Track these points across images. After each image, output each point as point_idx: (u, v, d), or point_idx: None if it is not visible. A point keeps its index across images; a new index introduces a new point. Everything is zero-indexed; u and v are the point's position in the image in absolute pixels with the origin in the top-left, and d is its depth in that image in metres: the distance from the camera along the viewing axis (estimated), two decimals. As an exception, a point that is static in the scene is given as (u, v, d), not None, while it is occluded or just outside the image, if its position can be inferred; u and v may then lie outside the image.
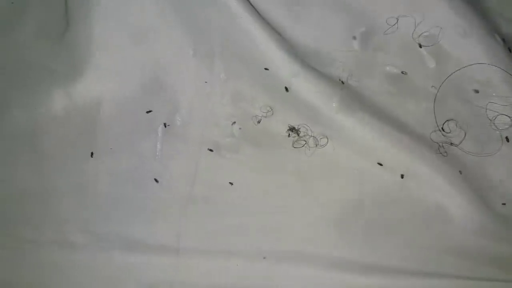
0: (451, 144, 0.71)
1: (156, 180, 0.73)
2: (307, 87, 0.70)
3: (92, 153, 0.73)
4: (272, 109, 0.74)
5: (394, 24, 0.72)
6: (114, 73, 0.74)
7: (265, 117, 0.74)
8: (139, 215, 0.72)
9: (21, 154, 0.74)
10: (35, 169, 0.73)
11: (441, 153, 0.70)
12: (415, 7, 0.72)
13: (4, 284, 0.72)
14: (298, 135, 0.73)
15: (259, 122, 0.74)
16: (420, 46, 0.73)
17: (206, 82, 0.75)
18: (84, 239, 0.72)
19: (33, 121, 0.74)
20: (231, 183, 0.73)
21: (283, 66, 0.70)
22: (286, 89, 0.72)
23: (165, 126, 0.74)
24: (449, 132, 0.72)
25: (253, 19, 0.70)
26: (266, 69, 0.72)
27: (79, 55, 0.74)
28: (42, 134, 0.74)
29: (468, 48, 0.71)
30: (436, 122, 0.72)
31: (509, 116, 0.70)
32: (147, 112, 0.74)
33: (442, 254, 0.70)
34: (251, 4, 0.71)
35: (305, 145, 0.73)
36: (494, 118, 0.71)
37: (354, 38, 0.74)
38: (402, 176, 0.71)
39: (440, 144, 0.71)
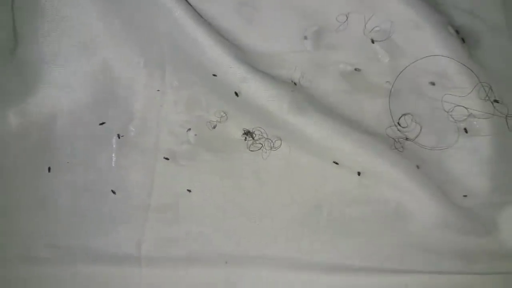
0: (407, 139, 0.70)
1: (113, 192, 0.73)
2: (256, 91, 0.70)
3: (49, 168, 0.74)
4: (226, 114, 0.74)
5: (345, 21, 0.72)
6: (66, 87, 0.74)
7: (220, 122, 0.74)
8: (100, 226, 0.73)
9: (-20, 172, 0.74)
10: (-5, 186, 0.74)
11: (396, 148, 0.70)
12: (365, 3, 0.71)
13: (-29, 302, 0.73)
14: (253, 138, 0.73)
15: (214, 127, 0.74)
16: (373, 42, 0.72)
17: (158, 90, 0.75)
18: (48, 253, 0.72)
19: (-10, 140, 0.74)
20: (189, 190, 0.73)
21: (231, 72, 0.70)
22: (236, 94, 0.71)
23: (119, 137, 0.74)
24: (406, 127, 0.71)
25: (199, 27, 0.70)
26: (214, 75, 0.71)
27: (31, 72, 0.74)
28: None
29: (421, 41, 0.71)
30: (392, 117, 0.71)
31: (466, 107, 0.69)
32: (101, 124, 0.74)
33: (405, 250, 0.69)
34: (196, 11, 0.71)
35: (262, 148, 0.73)
36: (451, 110, 0.70)
37: (306, 38, 0.73)
38: (359, 174, 0.70)
39: (396, 139, 0.70)
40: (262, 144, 0.73)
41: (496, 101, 0.68)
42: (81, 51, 0.74)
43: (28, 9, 0.73)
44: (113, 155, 0.74)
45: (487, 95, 0.68)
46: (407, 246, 0.69)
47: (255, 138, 0.73)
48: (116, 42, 0.74)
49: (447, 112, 0.70)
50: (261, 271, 0.71)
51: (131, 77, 0.75)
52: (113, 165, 0.73)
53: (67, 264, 0.72)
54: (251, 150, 0.73)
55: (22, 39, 0.74)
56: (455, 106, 0.70)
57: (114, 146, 0.74)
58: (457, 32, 0.71)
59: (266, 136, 0.73)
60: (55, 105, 0.74)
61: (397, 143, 0.70)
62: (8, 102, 0.74)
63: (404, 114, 0.71)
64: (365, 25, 0.71)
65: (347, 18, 0.72)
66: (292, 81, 0.73)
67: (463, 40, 0.71)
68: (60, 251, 0.72)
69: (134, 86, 0.75)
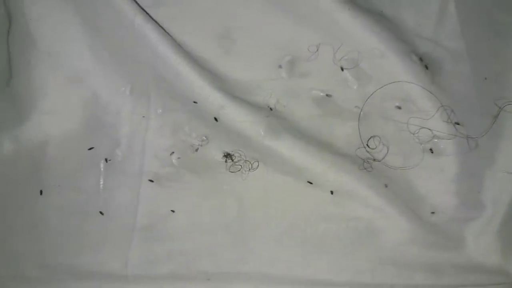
0: (374, 159, 0.75)
1: (101, 213, 0.77)
2: (234, 117, 0.75)
3: (41, 191, 0.78)
4: (207, 138, 0.79)
5: (316, 52, 0.77)
6: (56, 115, 0.79)
7: (201, 145, 0.79)
8: (89, 246, 0.76)
9: (-25, 196, 0.78)
10: (-11, 209, 0.78)
11: (365, 168, 0.74)
12: (333, 34, 0.76)
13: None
14: (233, 160, 0.77)
15: (196, 150, 0.79)
16: (342, 70, 0.78)
17: (143, 117, 0.80)
18: (39, 273, 0.75)
19: (-16, 166, 0.79)
20: (173, 211, 0.77)
21: (210, 99, 0.75)
22: (216, 119, 0.76)
23: (107, 161, 0.79)
24: (375, 148, 0.76)
25: (178, 58, 0.75)
26: (195, 102, 0.77)
27: (23, 102, 0.79)
28: (-6, 176, 0.78)
29: (387, 68, 0.75)
30: (361, 140, 0.76)
31: (430, 129, 0.74)
32: (89, 149, 0.79)
33: (377, 264, 0.73)
34: (176, 42, 0.76)
35: (241, 169, 0.77)
36: (416, 132, 0.75)
37: (280, 67, 0.79)
38: (332, 193, 0.75)
39: (365, 160, 0.75)
40: (241, 166, 0.77)
41: (457, 123, 0.73)
42: (70, 81, 0.79)
43: (21, 43, 0.78)
44: (101, 178, 0.78)
45: (449, 118, 0.74)
46: (379, 261, 0.73)
47: (235, 160, 0.77)
48: (103, 72, 0.79)
49: (413, 134, 0.75)
50: (241, 286, 0.74)
51: (118, 104, 0.80)
52: (101, 187, 0.78)
53: (58, 283, 0.75)
54: (231, 172, 0.77)
55: (16, 71, 0.79)
56: (420, 128, 0.75)
57: (102, 169, 0.78)
58: (420, 59, 0.76)
59: (245, 158, 0.77)
60: (46, 132, 0.78)
61: (366, 163, 0.75)
62: (2, 130, 0.78)
63: (373, 136, 0.76)
64: (334, 55, 0.77)
65: (317, 48, 0.77)
66: (268, 107, 0.78)
67: (426, 67, 0.76)
68: (50, 270, 0.75)
69: (121, 113, 0.80)
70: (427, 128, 0.74)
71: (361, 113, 0.77)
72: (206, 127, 0.78)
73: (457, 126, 0.73)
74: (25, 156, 0.78)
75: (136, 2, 0.75)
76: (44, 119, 0.78)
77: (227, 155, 0.78)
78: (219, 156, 0.78)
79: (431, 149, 0.75)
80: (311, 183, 0.75)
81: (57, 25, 0.78)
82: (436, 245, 0.73)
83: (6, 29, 0.78)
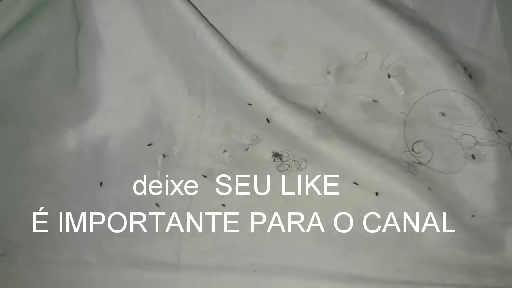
0: (419, 163, 0.78)
1: (157, 205, 0.82)
2: (285, 118, 0.79)
3: (101, 183, 0.83)
4: (258, 138, 0.83)
5: (364, 59, 0.81)
6: (118, 112, 0.84)
7: (252, 145, 0.83)
8: (144, 236, 0.81)
9: (41, 185, 0.84)
10: (53, 198, 0.83)
11: (411, 172, 0.78)
12: (381, 43, 0.80)
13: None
14: (282, 160, 0.82)
15: (247, 149, 0.83)
16: (389, 77, 0.81)
17: (199, 116, 0.85)
18: (97, 259, 0.80)
19: (51, 157, 0.84)
20: (224, 205, 0.81)
21: (263, 102, 0.80)
22: (268, 120, 0.81)
23: (164, 157, 0.84)
24: (419, 153, 0.79)
25: (236, 62, 0.80)
26: (249, 104, 0.81)
27: (88, 99, 0.85)
28: (58, 167, 0.84)
29: (432, 77, 0.79)
30: (406, 144, 0.79)
31: (473, 136, 0.77)
32: (148, 145, 0.84)
33: (417, 264, 0.76)
34: (234, 48, 0.81)
35: (289, 168, 0.81)
36: (459, 138, 0.78)
37: (329, 72, 0.83)
38: (376, 194, 0.78)
39: (410, 163, 0.78)
40: (289, 165, 0.81)
41: (500, 131, 0.76)
42: (132, 81, 0.85)
43: (89, 45, 0.84)
44: (158, 172, 0.83)
45: (491, 125, 0.76)
46: (420, 260, 0.76)
47: (283, 160, 0.82)
48: (164, 74, 0.85)
49: (456, 140, 0.78)
50: (287, 280, 0.77)
51: (176, 105, 0.85)
52: (158, 180, 0.83)
53: (113, 269, 0.79)
54: (279, 170, 0.82)
55: (82, 71, 0.85)
56: (463, 135, 0.77)
57: (159, 164, 0.83)
58: (464, 68, 0.79)
59: (293, 158, 0.82)
60: (109, 128, 0.84)
61: (411, 167, 0.78)
62: (68, 124, 0.84)
63: (418, 141, 0.79)
64: (382, 62, 0.81)
65: (366, 56, 0.81)
66: (316, 110, 0.82)
67: (470, 76, 0.79)
68: (107, 257, 0.80)
69: (178, 112, 0.85)
70: (470, 135, 0.77)
71: (407, 118, 0.80)
72: (256, 127, 0.83)
73: (499, 133, 0.76)
74: (88, 149, 0.84)
75: (198, 10, 0.80)
76: (107, 116, 0.84)
77: (276, 155, 0.82)
78: (269, 156, 0.82)
79: (473, 155, 0.77)
80: (357, 184, 0.79)
81: (123, 29, 0.84)
82: (475, 247, 0.76)
83: (75, 31, 0.84)
